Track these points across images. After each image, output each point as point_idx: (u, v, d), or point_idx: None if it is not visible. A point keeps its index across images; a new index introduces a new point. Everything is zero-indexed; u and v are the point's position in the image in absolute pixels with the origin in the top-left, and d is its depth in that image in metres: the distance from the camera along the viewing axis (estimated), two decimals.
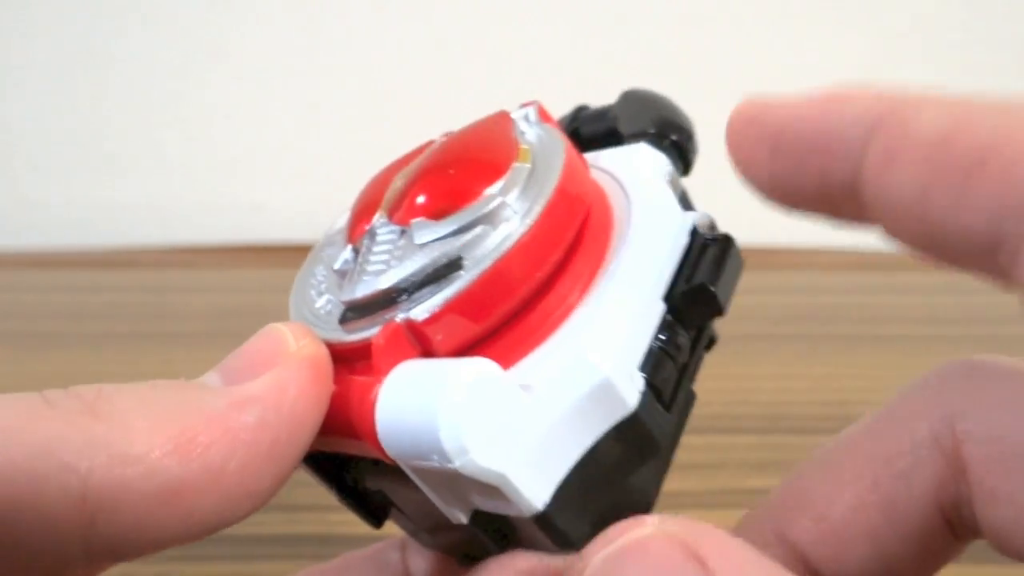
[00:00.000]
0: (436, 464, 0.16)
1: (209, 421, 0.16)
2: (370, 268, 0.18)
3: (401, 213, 0.18)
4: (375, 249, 0.18)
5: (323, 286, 0.20)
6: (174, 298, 0.65)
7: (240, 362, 0.17)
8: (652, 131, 0.23)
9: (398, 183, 0.19)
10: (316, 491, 0.21)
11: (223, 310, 0.62)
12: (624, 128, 0.23)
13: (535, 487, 0.16)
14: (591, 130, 0.24)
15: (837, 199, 0.17)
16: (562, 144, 0.20)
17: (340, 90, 0.77)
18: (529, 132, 0.20)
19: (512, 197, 0.18)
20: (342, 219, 0.22)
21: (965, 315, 0.59)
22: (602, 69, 0.79)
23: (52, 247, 0.78)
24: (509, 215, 0.18)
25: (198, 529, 0.16)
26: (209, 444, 0.16)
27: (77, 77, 0.82)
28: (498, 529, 0.18)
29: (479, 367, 0.16)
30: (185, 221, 0.76)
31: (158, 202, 0.76)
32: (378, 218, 0.19)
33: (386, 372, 0.17)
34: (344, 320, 0.18)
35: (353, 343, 0.18)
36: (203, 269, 0.70)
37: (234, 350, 0.18)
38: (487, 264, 0.17)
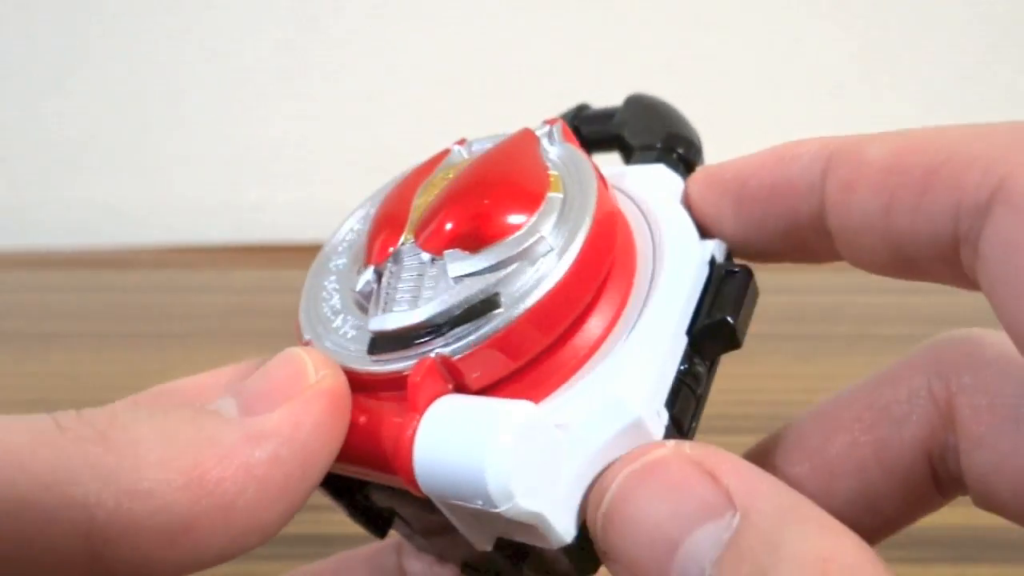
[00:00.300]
0: (477, 506, 0.16)
1: (223, 456, 0.16)
2: (399, 297, 0.18)
3: (431, 240, 0.18)
4: (403, 275, 0.18)
5: (338, 303, 0.20)
6: (174, 298, 0.65)
7: (258, 389, 0.17)
8: (660, 145, 0.23)
9: (421, 201, 0.19)
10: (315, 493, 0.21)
11: (223, 310, 0.62)
12: (632, 139, 0.23)
13: (566, 522, 0.17)
14: (593, 131, 0.24)
15: (804, 235, 0.19)
16: (590, 171, 0.19)
17: (340, 90, 0.77)
18: (553, 152, 0.20)
19: (547, 229, 0.18)
20: (348, 225, 0.21)
21: (963, 315, 0.58)
22: (602, 69, 0.79)
23: (52, 247, 0.78)
24: (545, 250, 0.18)
25: (205, 563, 0.16)
26: (221, 480, 0.15)
27: (77, 78, 0.82)
28: (517, 552, 0.18)
29: (525, 411, 0.16)
30: (185, 221, 0.76)
31: (158, 202, 0.76)
32: (405, 241, 0.18)
33: (422, 409, 0.17)
34: (373, 349, 0.18)
35: (382, 374, 0.18)
36: (203, 269, 0.70)
37: (256, 370, 0.18)
38: (527, 304, 0.17)
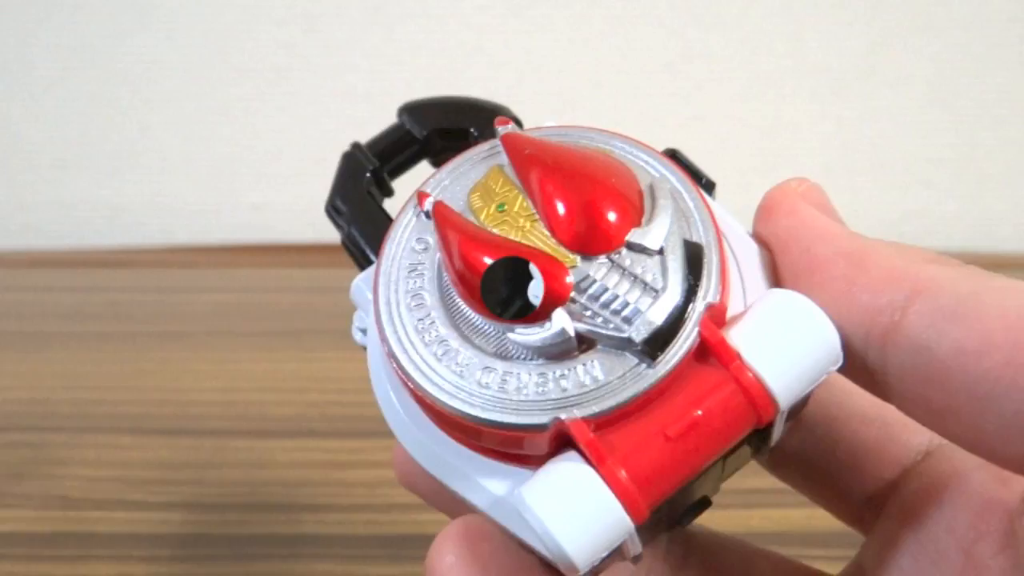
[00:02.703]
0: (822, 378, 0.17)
1: None
2: (632, 300, 0.17)
3: (602, 243, 0.18)
4: (608, 286, 0.17)
5: (530, 377, 0.18)
6: (174, 298, 0.65)
7: None
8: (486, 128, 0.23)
9: (528, 225, 0.18)
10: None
11: (223, 310, 0.62)
12: (475, 125, 0.24)
13: None
14: (407, 158, 0.25)
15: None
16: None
17: (341, 90, 0.77)
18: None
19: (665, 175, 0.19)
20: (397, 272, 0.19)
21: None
22: (602, 69, 0.79)
23: (53, 247, 0.78)
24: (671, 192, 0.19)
25: None
26: None
27: (78, 79, 0.82)
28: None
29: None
30: (185, 221, 0.76)
31: (158, 202, 0.76)
32: (573, 264, 0.18)
33: (731, 353, 0.17)
34: (651, 356, 0.17)
35: (671, 372, 0.17)
36: (203, 269, 0.70)
37: None
38: (714, 236, 0.18)
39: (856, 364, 0.18)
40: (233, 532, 0.40)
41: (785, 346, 0.17)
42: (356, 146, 0.24)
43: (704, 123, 0.72)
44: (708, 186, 0.21)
